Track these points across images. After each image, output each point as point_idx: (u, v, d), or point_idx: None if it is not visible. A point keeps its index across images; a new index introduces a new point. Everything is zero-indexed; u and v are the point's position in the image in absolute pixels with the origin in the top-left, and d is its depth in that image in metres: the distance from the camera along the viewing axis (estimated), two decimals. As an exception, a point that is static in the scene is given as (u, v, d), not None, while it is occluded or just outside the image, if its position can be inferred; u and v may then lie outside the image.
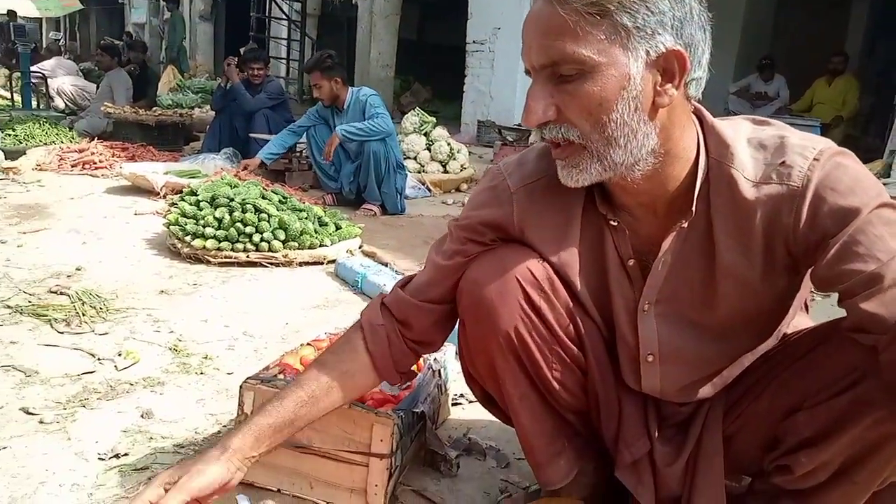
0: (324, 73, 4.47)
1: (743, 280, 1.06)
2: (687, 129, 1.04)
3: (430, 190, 5.40)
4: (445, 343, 1.70)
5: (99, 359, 2.04)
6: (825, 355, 1.06)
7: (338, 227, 3.40)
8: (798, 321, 1.20)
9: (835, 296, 1.00)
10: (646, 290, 1.12)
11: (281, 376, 1.50)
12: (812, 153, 0.99)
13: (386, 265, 3.12)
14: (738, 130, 1.06)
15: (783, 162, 1.00)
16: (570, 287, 1.17)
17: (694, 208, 1.05)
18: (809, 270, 1.04)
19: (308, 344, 1.71)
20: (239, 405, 1.45)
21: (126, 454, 1.55)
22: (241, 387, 1.45)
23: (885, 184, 5.93)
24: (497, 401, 1.31)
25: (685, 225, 1.07)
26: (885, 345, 0.90)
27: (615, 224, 1.12)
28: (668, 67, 0.96)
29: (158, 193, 4.38)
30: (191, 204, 3.23)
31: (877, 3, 9.26)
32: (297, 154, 5.19)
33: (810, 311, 1.30)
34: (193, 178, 4.51)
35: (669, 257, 1.09)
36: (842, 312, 0.99)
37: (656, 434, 1.22)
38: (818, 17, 9.41)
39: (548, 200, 1.15)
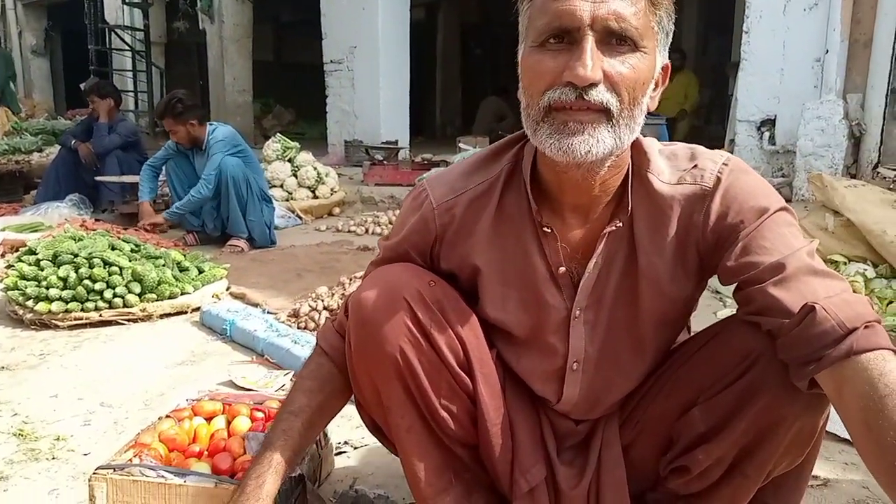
0: (176, 118, 4.13)
1: (656, 281, 1.10)
2: None
3: (300, 217, 5.24)
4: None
5: (-73, 460, 1.78)
6: (717, 348, 1.11)
7: (201, 271, 3.19)
8: (681, 338, 1.25)
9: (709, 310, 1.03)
10: (579, 295, 1.14)
11: (136, 459, 1.35)
12: (721, 159, 1.10)
13: (257, 306, 2.97)
14: (651, 143, 1.14)
15: (695, 165, 1.10)
16: (475, 302, 1.17)
17: (630, 208, 1.09)
18: (715, 274, 1.10)
19: (167, 416, 1.56)
20: (90, 500, 1.29)
21: (-37, 573, 1.35)
22: (90, 479, 1.29)
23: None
24: (384, 430, 1.26)
25: (620, 224, 1.09)
26: (788, 329, 0.96)
27: (548, 231, 1.11)
28: (662, 77, 1.05)
29: (-5, 253, 3.96)
30: (30, 264, 2.92)
31: (704, 4, 10.04)
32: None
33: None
34: (35, 231, 4.12)
35: (601, 260, 1.11)
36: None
37: (556, 456, 1.21)
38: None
39: (469, 215, 1.16)
